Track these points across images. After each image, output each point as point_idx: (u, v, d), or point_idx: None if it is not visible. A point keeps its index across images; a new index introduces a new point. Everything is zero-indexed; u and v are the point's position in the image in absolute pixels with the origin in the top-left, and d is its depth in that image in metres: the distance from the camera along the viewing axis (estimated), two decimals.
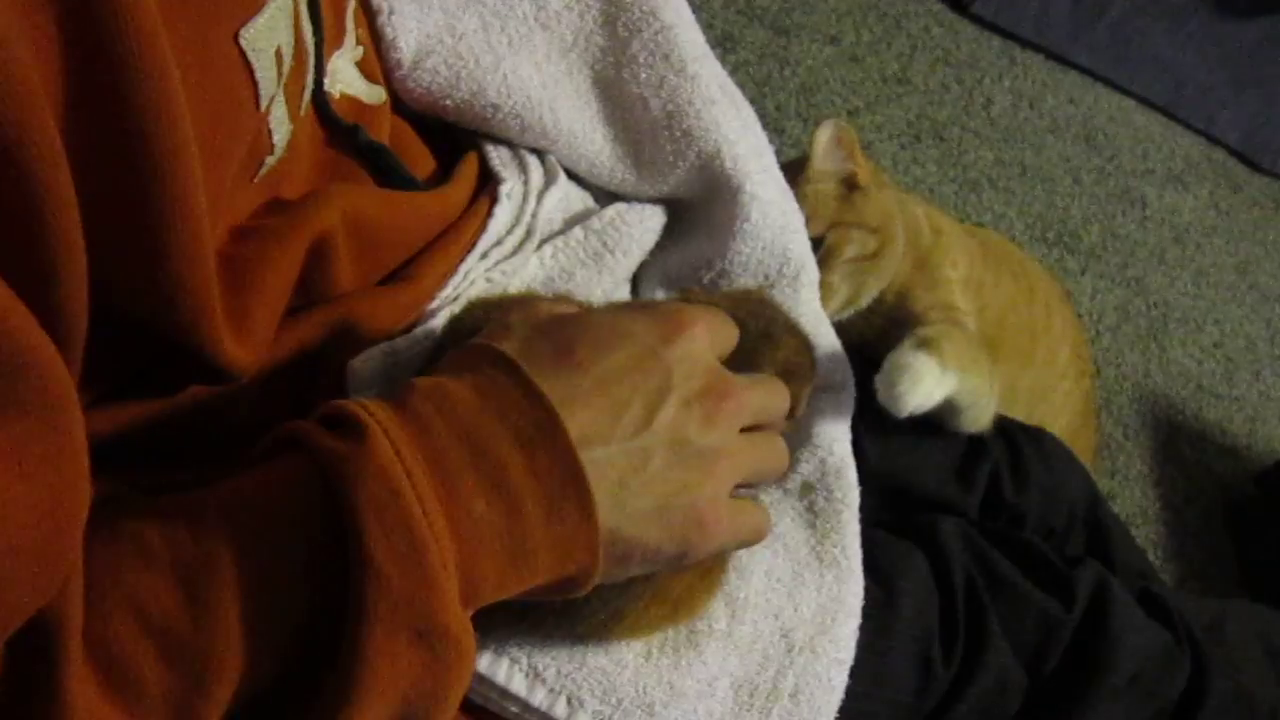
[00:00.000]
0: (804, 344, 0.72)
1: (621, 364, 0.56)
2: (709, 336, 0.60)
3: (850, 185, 1.13)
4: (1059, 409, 1.45)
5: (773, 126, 1.92)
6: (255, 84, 0.52)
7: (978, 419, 1.03)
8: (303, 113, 0.64)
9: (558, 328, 0.58)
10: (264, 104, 0.54)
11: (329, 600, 0.48)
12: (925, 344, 0.95)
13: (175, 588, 0.46)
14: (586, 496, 0.52)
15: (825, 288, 1.05)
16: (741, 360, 0.64)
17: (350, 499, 0.47)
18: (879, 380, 0.93)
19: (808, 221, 0.98)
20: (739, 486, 0.61)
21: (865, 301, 1.14)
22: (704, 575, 0.69)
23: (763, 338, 0.68)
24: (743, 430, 0.60)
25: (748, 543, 0.62)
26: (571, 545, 0.52)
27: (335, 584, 0.48)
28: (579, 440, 0.52)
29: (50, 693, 0.43)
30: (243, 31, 0.50)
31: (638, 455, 0.55)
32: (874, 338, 1.12)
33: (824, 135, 1.12)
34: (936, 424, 1.03)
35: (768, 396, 0.62)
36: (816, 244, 1.04)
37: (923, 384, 0.92)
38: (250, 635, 0.47)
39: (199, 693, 0.46)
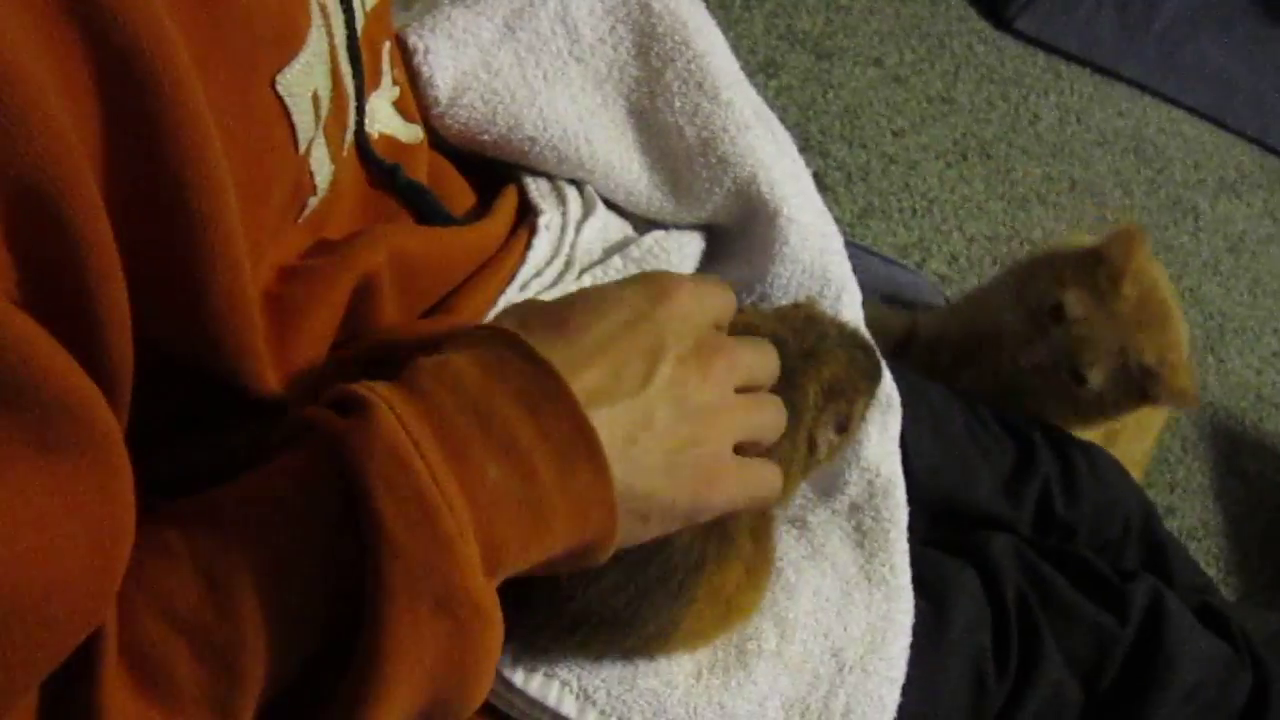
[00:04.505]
0: (854, 358, 0.71)
1: (616, 327, 0.57)
2: (696, 300, 0.60)
3: None
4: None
5: (817, 150, 1.92)
6: (293, 128, 0.54)
7: None
8: (345, 154, 0.65)
9: (550, 307, 0.59)
10: (302, 147, 0.55)
11: (350, 580, 0.48)
12: None
13: (197, 582, 0.47)
14: (597, 452, 0.52)
15: None
16: (783, 380, 0.64)
17: (360, 474, 0.47)
18: None
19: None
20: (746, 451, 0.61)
21: None
22: (750, 572, 0.69)
23: (805, 357, 0.68)
24: (739, 391, 0.61)
25: (760, 499, 0.62)
26: (587, 502, 0.52)
27: (354, 563, 0.48)
28: (585, 400, 0.52)
29: (87, 698, 0.43)
30: (279, 77, 0.52)
31: (642, 412, 0.55)
32: None
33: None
34: (986, 443, 1.04)
35: (758, 355, 0.63)
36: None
37: None
38: (275, 621, 0.47)
39: (232, 684, 0.47)
